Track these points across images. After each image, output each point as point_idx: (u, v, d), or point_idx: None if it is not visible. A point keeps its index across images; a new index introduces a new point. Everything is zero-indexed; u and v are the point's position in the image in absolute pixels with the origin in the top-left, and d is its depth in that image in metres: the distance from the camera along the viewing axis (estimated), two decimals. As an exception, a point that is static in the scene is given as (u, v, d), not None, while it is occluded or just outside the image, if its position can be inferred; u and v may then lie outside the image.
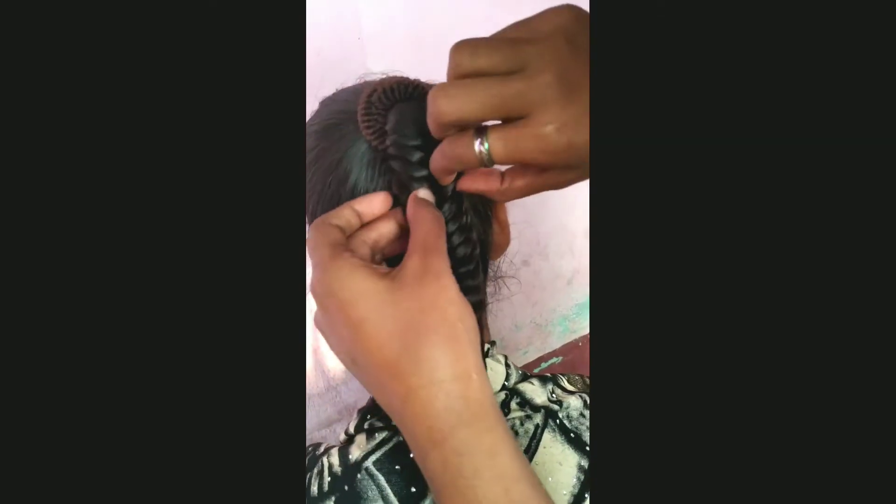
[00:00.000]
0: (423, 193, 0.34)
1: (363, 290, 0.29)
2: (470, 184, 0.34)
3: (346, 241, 0.33)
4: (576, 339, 1.47)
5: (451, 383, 0.28)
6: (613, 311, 0.27)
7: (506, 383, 0.44)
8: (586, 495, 0.39)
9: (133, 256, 0.28)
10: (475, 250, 0.38)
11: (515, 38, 0.29)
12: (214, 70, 0.29)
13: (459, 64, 0.28)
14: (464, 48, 0.28)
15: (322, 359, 0.98)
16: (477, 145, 0.29)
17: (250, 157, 0.29)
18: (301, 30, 0.30)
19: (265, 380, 0.28)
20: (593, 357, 0.28)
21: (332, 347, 0.33)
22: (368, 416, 0.43)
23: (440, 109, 0.29)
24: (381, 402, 0.31)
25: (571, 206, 1.19)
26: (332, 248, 0.31)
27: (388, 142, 0.36)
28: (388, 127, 0.36)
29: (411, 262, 0.30)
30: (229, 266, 0.29)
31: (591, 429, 0.44)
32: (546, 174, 0.31)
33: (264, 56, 0.29)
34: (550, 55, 0.27)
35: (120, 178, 0.28)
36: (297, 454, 0.29)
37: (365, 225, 0.36)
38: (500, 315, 0.52)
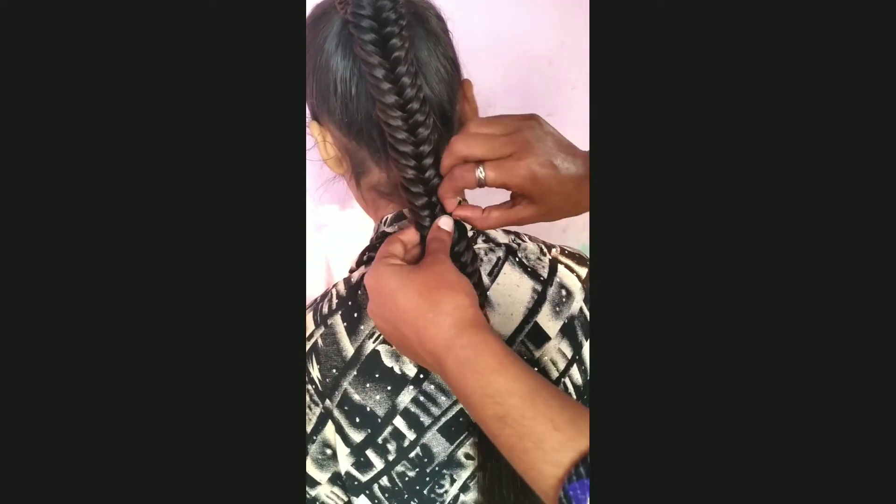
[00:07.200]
0: (444, 223, 0.48)
1: (395, 272, 0.44)
2: (461, 212, 0.49)
3: (400, 252, 0.47)
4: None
5: (455, 311, 0.42)
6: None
7: (473, 231, 0.57)
8: (538, 309, 0.55)
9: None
10: (469, 249, 0.50)
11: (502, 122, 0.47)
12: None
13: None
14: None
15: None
16: (477, 173, 0.46)
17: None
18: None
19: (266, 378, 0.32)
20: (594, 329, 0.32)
21: (379, 325, 0.46)
22: (367, 251, 0.57)
23: (457, 148, 0.46)
24: (410, 344, 0.44)
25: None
26: (386, 256, 0.46)
27: (347, 11, 0.45)
28: None
29: (426, 259, 0.46)
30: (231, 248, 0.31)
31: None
32: (514, 209, 0.48)
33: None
34: (527, 128, 0.46)
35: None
36: (298, 453, 0.33)
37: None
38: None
